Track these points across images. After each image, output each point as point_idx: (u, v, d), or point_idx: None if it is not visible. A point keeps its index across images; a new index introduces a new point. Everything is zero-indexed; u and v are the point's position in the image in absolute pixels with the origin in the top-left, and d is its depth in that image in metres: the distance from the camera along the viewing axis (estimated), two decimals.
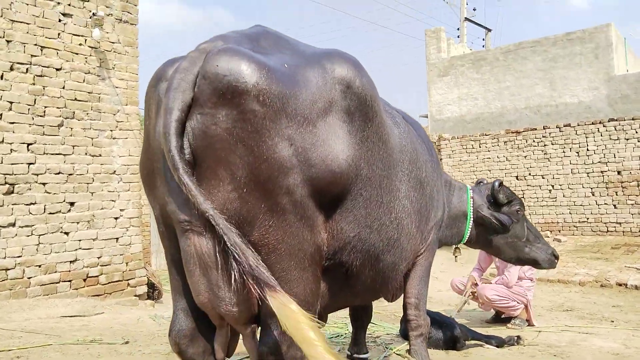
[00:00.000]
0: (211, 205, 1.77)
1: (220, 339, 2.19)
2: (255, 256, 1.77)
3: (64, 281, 5.96)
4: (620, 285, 8.16)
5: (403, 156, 2.43)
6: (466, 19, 22.84)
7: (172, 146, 1.77)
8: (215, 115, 1.79)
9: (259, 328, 2.10)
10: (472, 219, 3.71)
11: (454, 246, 3.94)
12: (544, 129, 14.17)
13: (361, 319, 3.59)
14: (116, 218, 6.57)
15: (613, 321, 6.11)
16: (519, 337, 4.99)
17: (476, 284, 5.98)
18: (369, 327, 3.98)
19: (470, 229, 3.73)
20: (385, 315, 6.08)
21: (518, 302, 5.83)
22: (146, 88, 2.11)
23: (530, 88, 14.88)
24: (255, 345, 2.07)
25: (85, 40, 6.49)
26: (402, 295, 3.14)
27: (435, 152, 3.30)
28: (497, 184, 3.83)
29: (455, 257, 4.21)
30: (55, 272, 5.94)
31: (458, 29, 23.66)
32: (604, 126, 13.43)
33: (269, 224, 1.85)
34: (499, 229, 3.79)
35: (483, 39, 24.19)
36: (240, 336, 2.20)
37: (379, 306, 5.96)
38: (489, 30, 23.81)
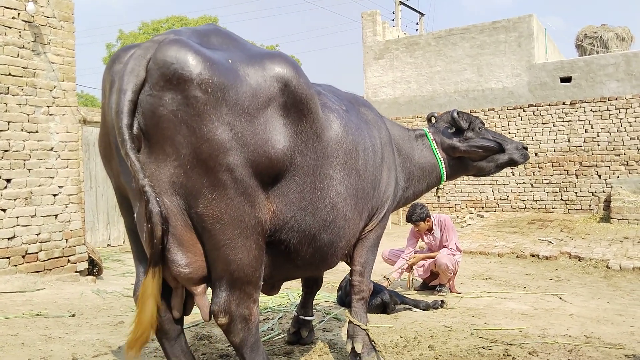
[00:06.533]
0: (149, 181, 2.02)
1: (176, 299, 2.44)
2: (163, 240, 2.08)
3: (2, 258, 5.88)
4: (533, 256, 8.97)
5: (339, 147, 2.66)
6: (401, 2, 23.36)
7: (123, 124, 2.00)
8: (163, 98, 2.03)
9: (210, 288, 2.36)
10: (442, 159, 3.90)
11: (435, 188, 4.12)
12: (471, 112, 15.01)
13: (311, 286, 3.92)
14: (55, 195, 6.51)
15: (525, 287, 6.79)
16: (443, 301, 5.52)
17: (411, 267, 6.42)
18: None
19: (445, 168, 3.93)
20: (324, 285, 6.45)
21: (456, 270, 6.37)
22: (103, 70, 2.33)
23: (459, 73, 15.64)
24: (207, 304, 2.33)
25: (19, 13, 6.30)
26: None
27: (387, 130, 3.46)
28: (455, 114, 3.93)
29: (438, 197, 4.46)
30: None
31: (393, 12, 24.23)
32: (524, 111, 14.44)
33: (211, 197, 2.10)
34: (491, 153, 3.95)
35: (417, 23, 24.90)
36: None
37: None
38: (423, 14, 24.53)
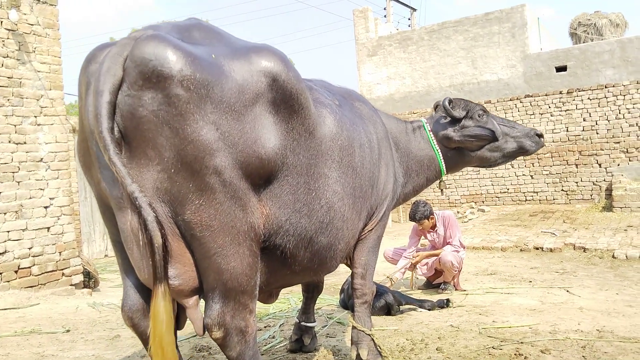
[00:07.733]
0: (138, 187, 1.85)
1: None
2: (164, 248, 1.88)
3: None
4: (537, 248, 8.85)
5: (333, 144, 2.51)
6: None
7: (103, 127, 1.85)
8: (142, 98, 1.88)
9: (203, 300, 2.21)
10: (439, 151, 3.68)
11: (438, 181, 3.88)
12: None
13: (312, 291, 3.77)
14: (46, 207, 6.35)
15: (531, 281, 6.65)
16: (448, 300, 5.38)
17: (415, 266, 6.28)
18: None
19: (443, 160, 3.70)
20: (326, 288, 6.31)
21: (461, 267, 6.21)
22: (79, 71, 2.16)
23: (454, 66, 15.50)
24: (200, 317, 2.17)
25: (2, 22, 6.15)
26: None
27: (383, 124, 3.29)
28: (446, 102, 3.68)
29: (442, 190, 4.13)
30: None
31: (385, 9, 24.08)
32: (520, 102, 14.31)
33: (199, 202, 1.95)
34: (486, 142, 3.69)
35: (409, 19, 24.76)
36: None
37: None
38: (414, 9, 24.38)
